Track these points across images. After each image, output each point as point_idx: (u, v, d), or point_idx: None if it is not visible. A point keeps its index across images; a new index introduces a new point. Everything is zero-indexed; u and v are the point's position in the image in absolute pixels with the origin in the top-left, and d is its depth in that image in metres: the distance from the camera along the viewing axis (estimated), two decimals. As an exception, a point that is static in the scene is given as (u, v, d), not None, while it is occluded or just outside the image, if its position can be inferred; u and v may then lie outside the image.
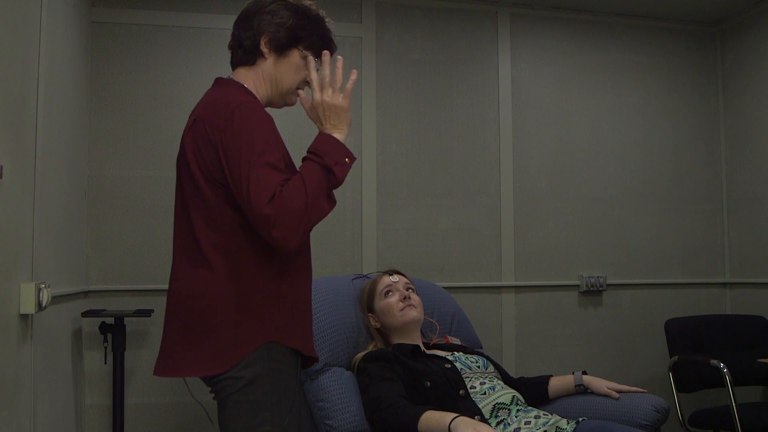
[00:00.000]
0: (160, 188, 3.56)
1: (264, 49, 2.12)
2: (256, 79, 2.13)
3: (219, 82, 2.15)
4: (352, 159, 2.05)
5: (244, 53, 2.13)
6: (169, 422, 3.59)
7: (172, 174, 2.13)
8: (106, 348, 3.30)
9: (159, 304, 2.08)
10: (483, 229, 4.06)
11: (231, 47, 2.17)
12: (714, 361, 3.53)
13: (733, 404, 3.40)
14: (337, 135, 2.06)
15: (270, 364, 1.95)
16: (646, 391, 2.74)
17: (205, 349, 1.95)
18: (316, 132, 2.08)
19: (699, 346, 3.90)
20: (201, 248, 1.98)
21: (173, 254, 2.08)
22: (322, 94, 2.08)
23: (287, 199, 1.87)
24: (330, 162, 1.99)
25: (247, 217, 1.91)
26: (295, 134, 3.55)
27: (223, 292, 1.95)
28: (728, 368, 3.46)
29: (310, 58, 2.14)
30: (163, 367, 2.04)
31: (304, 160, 2.01)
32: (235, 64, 2.17)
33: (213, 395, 2.02)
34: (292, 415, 2.02)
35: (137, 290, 3.55)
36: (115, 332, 3.27)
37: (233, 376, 1.94)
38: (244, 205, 1.91)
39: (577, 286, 4.20)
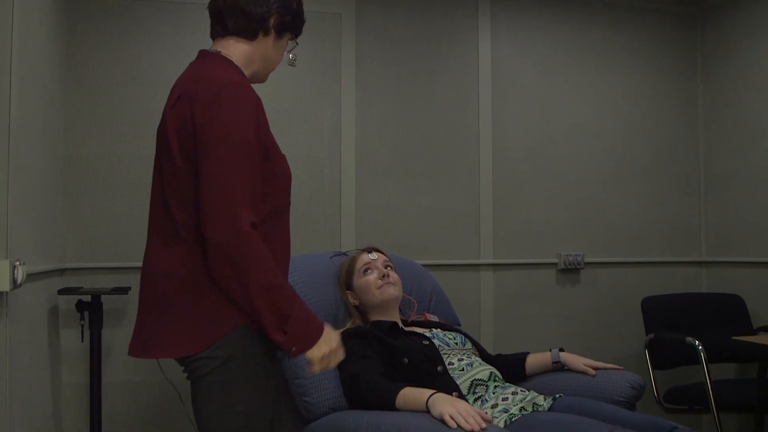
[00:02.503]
0: (138, 165, 3.53)
1: (271, 27, 2.10)
2: (249, 55, 2.10)
3: (204, 55, 2.09)
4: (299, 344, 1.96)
5: (244, 25, 2.07)
6: (147, 401, 3.58)
7: (151, 151, 2.10)
8: (82, 326, 3.28)
9: (136, 282, 2.06)
10: (462, 208, 4.06)
11: (218, 13, 2.09)
12: (689, 339, 3.56)
13: (708, 381, 3.44)
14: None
15: (245, 344, 1.94)
16: (622, 368, 2.76)
17: (179, 330, 1.94)
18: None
19: (675, 324, 3.94)
20: (176, 227, 1.95)
21: (148, 232, 2.05)
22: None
23: (242, 241, 1.85)
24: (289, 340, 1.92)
25: (199, 208, 1.89)
26: (279, 108, 3.54)
27: (197, 273, 1.92)
28: (703, 346, 3.49)
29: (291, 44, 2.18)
30: (137, 348, 2.02)
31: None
32: (225, 34, 2.10)
33: (186, 375, 2.01)
34: (267, 396, 2.01)
35: (114, 268, 3.54)
36: (91, 310, 3.25)
37: (207, 356, 1.92)
38: (203, 197, 1.88)
39: (555, 264, 4.22)
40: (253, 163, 1.93)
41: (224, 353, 1.93)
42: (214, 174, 1.87)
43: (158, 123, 2.06)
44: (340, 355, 2.01)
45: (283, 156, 2.10)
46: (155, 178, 2.05)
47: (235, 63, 2.07)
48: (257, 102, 1.98)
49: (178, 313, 1.94)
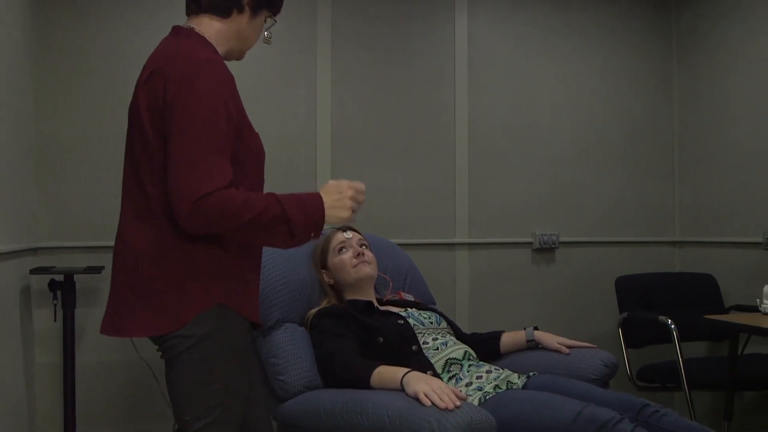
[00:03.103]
0: (111, 143, 3.49)
1: (246, 5, 2.07)
2: (223, 33, 2.07)
3: (178, 31, 2.06)
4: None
5: (217, 3, 2.04)
6: (121, 380, 3.56)
7: (124, 129, 2.08)
8: (55, 306, 3.24)
9: (110, 261, 2.04)
10: (438, 187, 4.06)
11: None
12: (662, 318, 3.59)
13: (680, 359, 3.48)
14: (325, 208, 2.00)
15: (220, 323, 1.93)
16: (595, 346, 2.79)
17: (153, 308, 1.92)
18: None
19: (648, 303, 3.97)
20: (149, 204, 1.93)
21: (121, 210, 2.03)
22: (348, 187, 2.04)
23: (222, 203, 1.84)
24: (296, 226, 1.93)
25: (168, 184, 1.87)
26: (253, 86, 3.52)
27: (170, 251, 1.91)
28: (676, 324, 3.53)
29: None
30: (110, 327, 2.00)
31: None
32: (198, 11, 2.07)
33: (161, 354, 2.00)
34: (243, 374, 2.00)
35: (87, 247, 3.50)
36: (64, 290, 3.22)
37: (182, 334, 1.91)
38: (168, 174, 1.86)
39: (530, 243, 4.24)
40: (221, 140, 1.90)
41: (200, 331, 1.91)
42: (179, 150, 1.85)
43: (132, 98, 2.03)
44: (354, 187, 2.04)
45: (257, 134, 2.08)
46: (127, 155, 2.02)
47: (209, 40, 2.05)
48: (230, 79, 1.96)
49: (152, 291, 1.92)
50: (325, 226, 2.01)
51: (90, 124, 3.53)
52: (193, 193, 1.81)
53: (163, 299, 1.92)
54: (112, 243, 2.02)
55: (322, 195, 2.01)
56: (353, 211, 2.04)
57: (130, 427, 3.60)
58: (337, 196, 2.01)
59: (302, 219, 1.93)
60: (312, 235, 1.96)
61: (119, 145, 2.05)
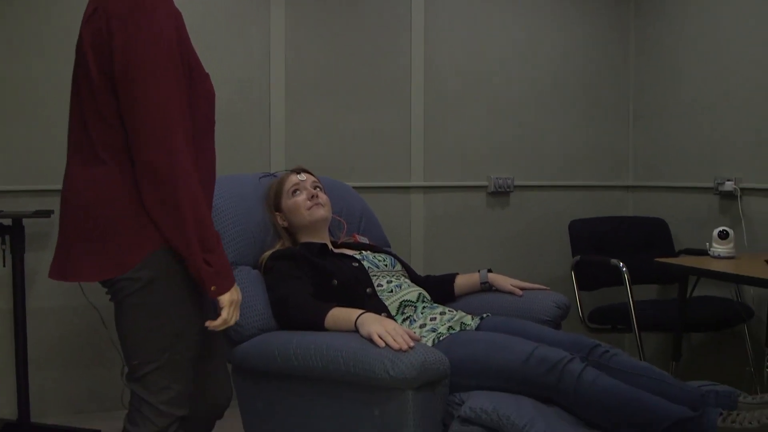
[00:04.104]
0: (59, 85, 3.38)
1: None
2: None
3: None
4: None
5: None
6: (72, 325, 3.53)
7: (72, 70, 2.02)
8: (4, 250, 3.19)
9: (58, 205, 2.00)
10: (393, 130, 4.03)
11: None
12: (614, 261, 3.63)
13: (631, 302, 3.53)
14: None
15: (169, 265, 1.90)
16: (548, 288, 2.81)
17: (101, 252, 1.89)
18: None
19: (601, 246, 4.01)
20: (94, 148, 1.89)
21: (67, 153, 1.99)
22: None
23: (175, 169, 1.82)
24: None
25: (130, 132, 1.84)
26: (204, 27, 3.43)
27: (116, 194, 1.87)
28: (627, 267, 3.57)
29: None
30: (58, 271, 1.97)
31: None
32: None
33: (110, 297, 1.97)
34: (194, 318, 1.99)
35: (35, 190, 3.44)
36: (13, 234, 3.17)
37: (130, 277, 1.89)
38: (134, 121, 1.83)
39: (485, 187, 4.25)
40: (179, 79, 1.87)
41: (147, 274, 1.89)
42: (142, 94, 1.82)
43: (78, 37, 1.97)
44: (237, 316, 2.00)
45: (207, 74, 2.04)
46: (73, 97, 1.97)
47: None
48: (177, 15, 1.91)
49: (99, 235, 1.90)
50: None
51: (38, 66, 3.44)
52: (167, 141, 1.80)
53: (110, 243, 1.89)
54: (60, 187, 1.98)
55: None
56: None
57: (81, 372, 3.58)
58: (237, 297, 1.99)
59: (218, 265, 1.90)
60: (214, 285, 1.91)
61: (66, 85, 1.99)
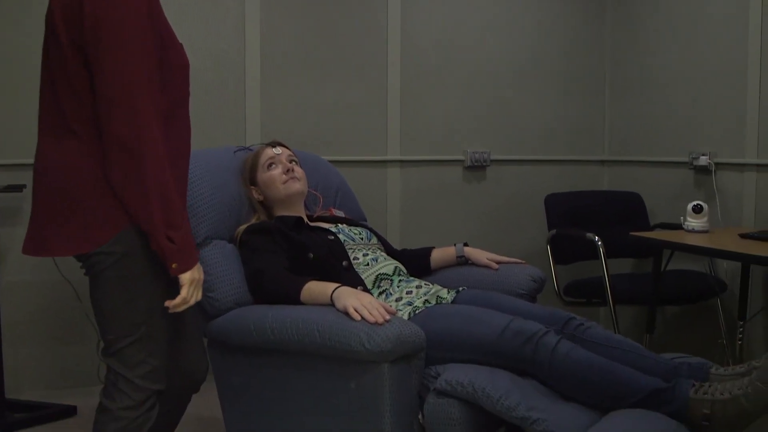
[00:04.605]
0: (31, 57, 3.33)
1: None
2: None
3: None
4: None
5: None
6: (45, 300, 3.51)
7: (42, 42, 1.98)
8: (-25, 224, 3.16)
9: (31, 179, 1.98)
10: (369, 104, 4.01)
11: None
12: (589, 235, 3.65)
13: (606, 275, 3.55)
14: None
15: (143, 240, 1.89)
16: (524, 262, 2.82)
17: (75, 227, 1.88)
18: None
19: (576, 220, 4.03)
20: (66, 120, 1.87)
21: (38, 127, 1.96)
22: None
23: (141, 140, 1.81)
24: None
25: (98, 102, 1.82)
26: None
27: (90, 167, 1.85)
28: (602, 241, 3.59)
29: None
30: (32, 246, 1.96)
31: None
32: None
33: (84, 271, 1.95)
34: (168, 292, 1.97)
35: (7, 165, 3.39)
36: (-16, 208, 3.14)
37: (104, 251, 1.87)
38: (101, 90, 1.81)
39: (462, 161, 4.24)
40: (149, 51, 1.84)
41: (121, 248, 1.88)
42: (111, 65, 1.79)
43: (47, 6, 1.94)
44: (199, 296, 1.99)
45: (180, 44, 2.01)
46: (44, 70, 1.94)
47: None
48: None
49: (72, 209, 1.88)
50: None
51: (8, 37, 3.38)
52: (134, 112, 1.78)
53: (84, 217, 1.87)
54: (33, 161, 1.96)
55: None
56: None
57: (56, 347, 3.56)
58: (199, 276, 1.97)
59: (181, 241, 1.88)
60: (176, 262, 1.89)
61: (38, 59, 1.96)
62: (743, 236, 3.13)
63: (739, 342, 3.64)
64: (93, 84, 1.83)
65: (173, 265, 1.88)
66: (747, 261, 3.35)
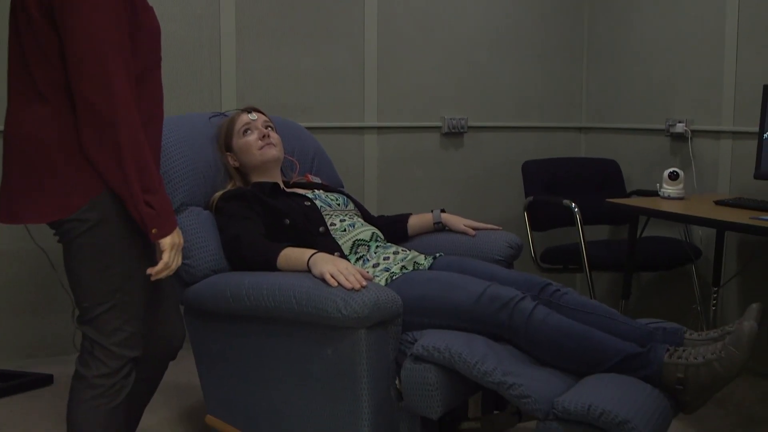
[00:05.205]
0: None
1: None
2: None
3: None
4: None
5: None
6: (19, 269, 3.47)
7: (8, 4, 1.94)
8: (-56, 192, 3.11)
9: (1, 146, 1.96)
10: (346, 70, 3.98)
11: None
12: (566, 201, 3.66)
13: (582, 242, 3.57)
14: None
15: (117, 206, 1.87)
16: (501, 228, 2.82)
17: (47, 194, 1.86)
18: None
19: (553, 187, 4.03)
20: (36, 86, 1.84)
21: (8, 93, 1.92)
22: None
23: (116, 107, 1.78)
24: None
25: (68, 66, 1.79)
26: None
27: (61, 133, 1.82)
28: (579, 208, 3.60)
29: None
30: (4, 215, 1.93)
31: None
32: None
33: (58, 239, 1.93)
34: (142, 259, 1.96)
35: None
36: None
37: (77, 218, 1.85)
38: (71, 54, 1.77)
39: (439, 127, 4.23)
40: (120, 14, 1.81)
41: (95, 215, 1.86)
42: (81, 29, 1.76)
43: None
44: (180, 261, 1.98)
45: (151, 8, 1.98)
46: (12, 34, 1.90)
47: None
48: None
49: (45, 176, 1.85)
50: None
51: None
52: (104, 75, 1.76)
53: (57, 184, 1.85)
54: (2, 127, 1.93)
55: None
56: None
57: (30, 316, 3.54)
58: (179, 240, 1.95)
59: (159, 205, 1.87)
60: (156, 227, 1.88)
61: (5, 23, 1.92)
62: (718, 203, 3.15)
63: (713, 308, 3.68)
64: (63, 48, 1.79)
65: (153, 231, 1.87)
66: (721, 227, 3.37)
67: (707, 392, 2.04)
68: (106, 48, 1.77)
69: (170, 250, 1.92)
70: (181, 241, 1.97)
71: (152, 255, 1.96)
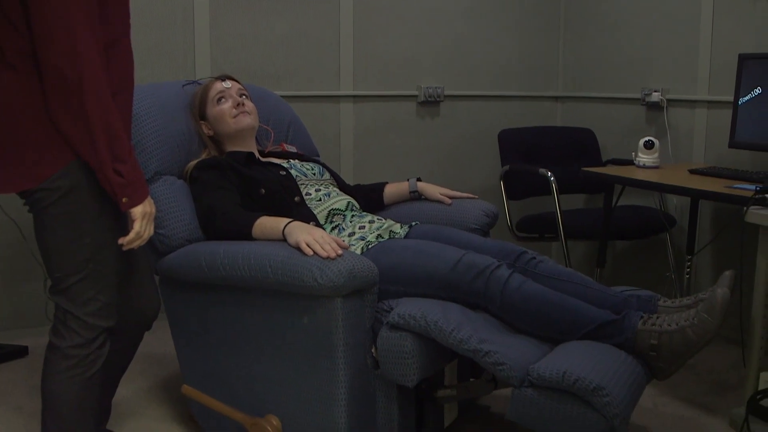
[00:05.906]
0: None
1: None
2: None
3: None
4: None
5: None
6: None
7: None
8: None
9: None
10: (322, 37, 3.94)
11: None
12: (542, 170, 3.67)
13: (558, 210, 3.58)
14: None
15: (88, 175, 1.85)
16: (477, 197, 2.83)
17: (14, 163, 1.83)
18: None
19: (529, 156, 4.04)
20: (3, 55, 1.80)
21: None
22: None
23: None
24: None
25: (35, 32, 1.75)
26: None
27: (29, 101, 1.79)
28: (555, 177, 3.61)
29: None
30: None
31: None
32: None
33: (28, 208, 1.91)
34: (115, 227, 1.94)
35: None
36: None
37: (47, 187, 1.83)
38: (38, 20, 1.74)
39: (416, 96, 4.21)
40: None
41: (65, 184, 1.84)
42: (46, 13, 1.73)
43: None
44: (152, 230, 1.97)
45: None
46: None
47: None
48: None
49: (13, 145, 1.83)
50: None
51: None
52: (73, 41, 1.73)
53: (25, 153, 1.82)
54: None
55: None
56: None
57: (2, 288, 3.50)
58: (150, 209, 1.96)
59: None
60: (126, 197, 1.88)
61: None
62: (693, 172, 3.16)
63: (687, 275, 3.71)
64: (30, 16, 1.76)
65: (124, 200, 1.85)
66: (696, 196, 3.39)
67: (680, 358, 2.06)
68: (73, 15, 1.74)
69: (141, 220, 1.90)
70: (153, 210, 1.95)
71: (125, 224, 1.94)
